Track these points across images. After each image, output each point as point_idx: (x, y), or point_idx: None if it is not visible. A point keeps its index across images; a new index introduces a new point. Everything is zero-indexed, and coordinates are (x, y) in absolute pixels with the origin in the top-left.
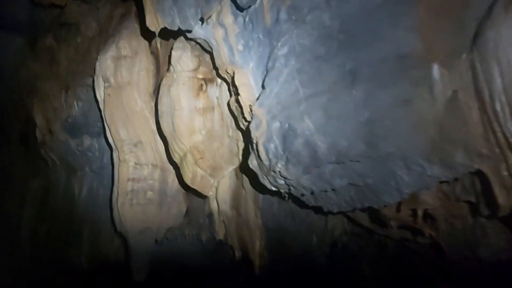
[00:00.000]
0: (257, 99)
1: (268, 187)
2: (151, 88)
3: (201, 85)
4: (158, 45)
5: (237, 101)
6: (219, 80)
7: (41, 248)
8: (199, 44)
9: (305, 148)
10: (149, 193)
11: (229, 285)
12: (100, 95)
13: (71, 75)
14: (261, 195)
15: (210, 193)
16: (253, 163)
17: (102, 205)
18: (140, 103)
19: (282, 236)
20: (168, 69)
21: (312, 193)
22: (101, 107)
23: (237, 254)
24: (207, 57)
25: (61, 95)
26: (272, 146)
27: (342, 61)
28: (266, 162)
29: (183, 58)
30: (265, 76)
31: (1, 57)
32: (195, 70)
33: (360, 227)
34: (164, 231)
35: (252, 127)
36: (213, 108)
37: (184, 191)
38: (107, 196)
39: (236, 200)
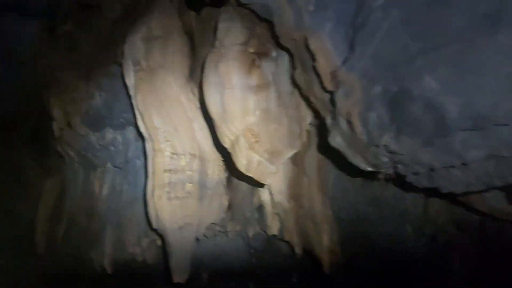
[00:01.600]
0: (344, 63)
1: (362, 167)
2: (186, 71)
3: (253, 60)
4: (194, 23)
5: (314, 68)
6: (274, 54)
7: (58, 251)
8: (254, 11)
9: (426, 113)
10: (188, 185)
11: (278, 287)
12: (129, 80)
13: (93, 63)
14: (330, 182)
15: (269, 181)
16: (336, 140)
17: (127, 202)
18: (175, 88)
19: (362, 227)
20: (213, 44)
21: (432, 170)
22: (132, 93)
23: (297, 251)
24: (259, 28)
25: (81, 85)
26: (373, 115)
27: (473, 4)
28: (363, 136)
29: (232, 31)
30: (353, 35)
31: (16, 45)
32: (246, 43)
33: (476, 214)
34: (204, 227)
35: (338, 96)
36: (268, 85)
37: (225, 183)
38: (132, 193)
39: (295, 189)
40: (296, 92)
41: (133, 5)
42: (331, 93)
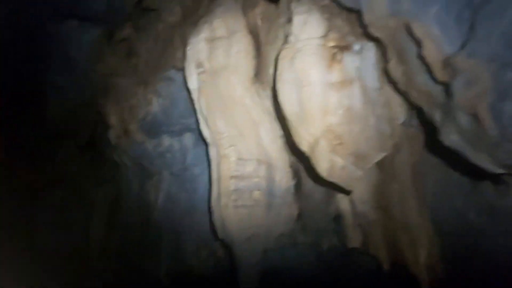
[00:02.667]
0: (462, 47)
1: (489, 169)
2: (251, 72)
3: (334, 54)
4: (259, 22)
5: (421, 58)
6: (356, 47)
7: (113, 262)
8: (336, 0)
9: None
10: (256, 193)
11: None
12: (192, 83)
13: (151, 68)
14: (429, 189)
15: (355, 188)
16: (451, 138)
17: (184, 211)
18: (240, 90)
19: (471, 241)
20: (286, 40)
21: None
22: (194, 97)
23: (385, 266)
24: (339, 19)
25: (138, 92)
26: (510, 106)
27: None
28: (495, 131)
29: (309, 23)
30: (473, 14)
31: (75, 52)
32: (325, 36)
33: None
34: (273, 238)
35: (456, 87)
36: (351, 81)
37: (293, 191)
38: (190, 202)
39: (383, 198)
40: (386, 88)
41: (194, 6)
42: (445, 84)
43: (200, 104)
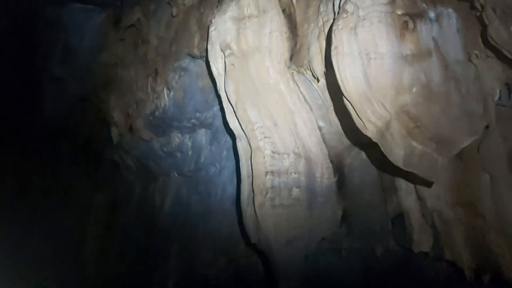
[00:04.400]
0: None
1: None
2: (286, 54)
3: (406, 22)
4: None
5: None
6: (431, 14)
7: (110, 271)
8: None
9: None
10: (295, 191)
11: None
12: (217, 68)
13: (162, 57)
14: None
15: (438, 178)
16: None
17: (197, 216)
18: (274, 74)
19: None
20: (340, 11)
21: None
22: (220, 83)
23: (468, 274)
24: None
25: (147, 84)
26: None
27: None
28: None
29: None
30: None
31: (77, 40)
32: (392, 2)
33: None
34: (315, 242)
35: None
36: (429, 53)
37: (336, 188)
38: (204, 205)
39: (465, 191)
40: (476, 60)
41: None
42: None
43: (228, 91)
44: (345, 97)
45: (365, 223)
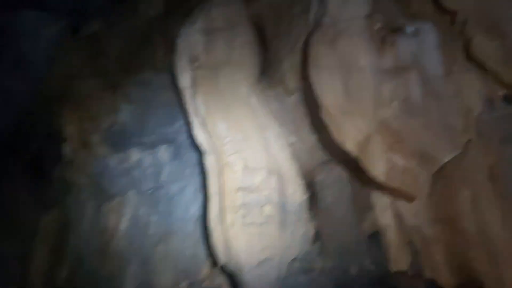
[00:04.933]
0: None
1: None
2: (257, 68)
3: (384, 36)
4: (265, 13)
5: None
6: (409, 29)
7: None
8: None
9: None
10: (268, 208)
11: None
12: (185, 80)
13: (123, 70)
14: None
15: (421, 194)
16: None
17: (157, 237)
18: (244, 88)
19: None
20: (317, 24)
21: None
22: (187, 96)
23: None
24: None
25: (105, 97)
26: None
27: None
28: None
29: (350, 1)
30: None
31: (30, 49)
32: (369, 16)
33: None
34: (287, 262)
35: None
36: (408, 67)
37: (308, 206)
38: (164, 226)
39: (445, 207)
40: (456, 75)
41: None
42: None
43: (196, 104)
44: (323, 110)
45: (338, 241)
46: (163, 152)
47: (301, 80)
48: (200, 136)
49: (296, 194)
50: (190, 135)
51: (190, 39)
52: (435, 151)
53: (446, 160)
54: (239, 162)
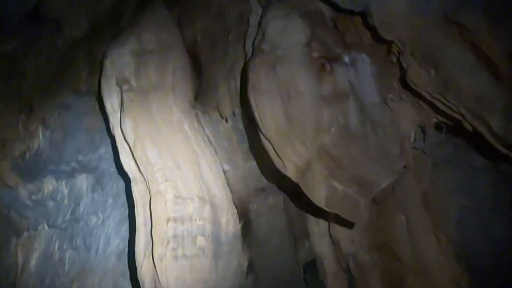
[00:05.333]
0: None
1: None
2: (191, 94)
3: (323, 64)
4: (199, 39)
5: (475, 53)
6: (346, 59)
7: None
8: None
9: None
10: (200, 239)
11: None
12: (111, 103)
13: (39, 92)
14: (452, 220)
15: (360, 220)
16: None
17: (72, 274)
18: (177, 113)
19: None
20: (259, 48)
21: None
22: (114, 120)
23: None
24: (321, 29)
25: (18, 121)
26: None
27: None
28: None
29: (290, 29)
30: None
31: None
32: (308, 45)
33: None
34: None
35: None
36: (346, 95)
37: (241, 236)
38: (81, 262)
39: (381, 234)
40: (391, 103)
41: (109, 18)
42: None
43: (124, 129)
44: (263, 135)
45: (273, 272)
46: (82, 182)
47: (239, 105)
48: (127, 163)
49: (230, 224)
50: (113, 163)
51: (119, 60)
52: (373, 177)
53: (383, 186)
54: (170, 191)
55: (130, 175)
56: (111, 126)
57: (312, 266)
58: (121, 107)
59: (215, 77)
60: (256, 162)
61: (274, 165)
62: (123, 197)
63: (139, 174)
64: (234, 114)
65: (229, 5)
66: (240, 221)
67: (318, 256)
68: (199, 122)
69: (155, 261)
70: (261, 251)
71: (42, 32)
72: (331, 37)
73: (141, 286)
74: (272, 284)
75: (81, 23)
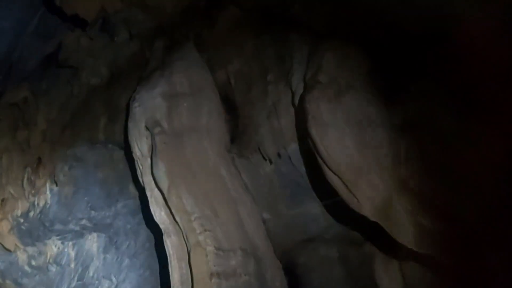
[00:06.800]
0: None
1: None
2: (226, 137)
3: (390, 95)
4: (232, 81)
5: None
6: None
7: None
8: None
9: None
10: None
11: None
12: (140, 148)
13: (50, 144)
14: None
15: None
16: None
17: None
18: (213, 157)
19: None
20: (315, 81)
21: None
22: (143, 166)
23: None
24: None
25: (23, 176)
26: None
27: None
28: None
29: (351, 58)
30: None
31: None
32: (372, 73)
33: None
34: None
35: None
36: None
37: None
38: None
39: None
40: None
41: (132, 65)
42: None
43: (156, 174)
44: (331, 170)
45: None
46: (92, 243)
47: (285, 145)
48: (158, 213)
49: (276, 280)
50: (131, 218)
51: (150, 103)
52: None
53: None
54: (210, 242)
55: (162, 226)
56: (138, 173)
57: None
58: (152, 151)
59: (254, 118)
60: (300, 210)
61: (347, 204)
62: (142, 257)
63: (173, 224)
64: (279, 155)
65: (265, 45)
66: (286, 275)
67: None
68: (235, 167)
69: None
70: None
71: (57, 80)
72: (393, 65)
73: None
74: None
75: (100, 69)
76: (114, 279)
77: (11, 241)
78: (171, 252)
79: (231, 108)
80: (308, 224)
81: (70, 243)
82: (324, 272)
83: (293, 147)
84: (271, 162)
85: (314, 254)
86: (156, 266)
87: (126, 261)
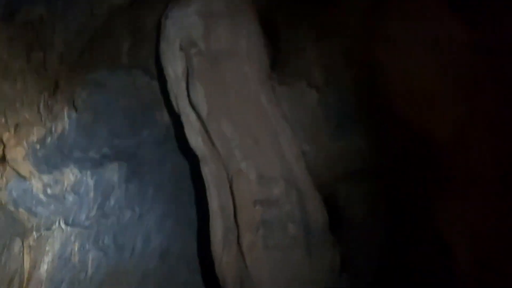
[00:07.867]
0: None
1: None
2: (268, 62)
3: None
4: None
5: None
6: None
7: None
8: None
9: None
10: (291, 226)
11: None
12: (175, 70)
13: (68, 67)
14: None
15: None
16: None
17: (98, 280)
18: (254, 83)
19: None
20: None
21: None
22: (178, 89)
23: None
24: None
25: (39, 101)
26: None
27: None
28: None
29: None
30: None
31: None
32: None
33: None
34: None
35: None
36: None
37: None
38: (109, 264)
39: None
40: None
41: None
42: None
43: (194, 97)
44: (401, 94)
45: (374, 273)
46: (113, 173)
47: (337, 71)
48: (194, 139)
49: (318, 212)
50: (157, 148)
51: (185, 21)
52: None
53: None
54: (252, 169)
55: (199, 153)
56: (172, 97)
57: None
58: (189, 73)
59: (301, 41)
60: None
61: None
62: (168, 189)
63: (211, 151)
64: (327, 82)
65: None
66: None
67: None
68: (276, 94)
69: (244, 251)
70: (355, 247)
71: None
72: None
73: (220, 282)
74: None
75: None
76: (137, 209)
77: (26, 168)
78: (209, 179)
79: (272, 31)
80: (352, 158)
81: (89, 172)
82: (367, 206)
83: (344, 74)
84: (317, 90)
85: (357, 189)
86: (183, 198)
87: (151, 192)
